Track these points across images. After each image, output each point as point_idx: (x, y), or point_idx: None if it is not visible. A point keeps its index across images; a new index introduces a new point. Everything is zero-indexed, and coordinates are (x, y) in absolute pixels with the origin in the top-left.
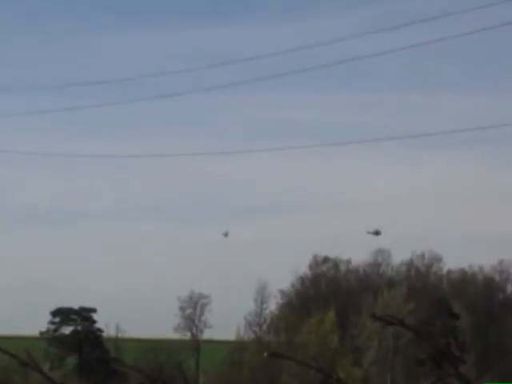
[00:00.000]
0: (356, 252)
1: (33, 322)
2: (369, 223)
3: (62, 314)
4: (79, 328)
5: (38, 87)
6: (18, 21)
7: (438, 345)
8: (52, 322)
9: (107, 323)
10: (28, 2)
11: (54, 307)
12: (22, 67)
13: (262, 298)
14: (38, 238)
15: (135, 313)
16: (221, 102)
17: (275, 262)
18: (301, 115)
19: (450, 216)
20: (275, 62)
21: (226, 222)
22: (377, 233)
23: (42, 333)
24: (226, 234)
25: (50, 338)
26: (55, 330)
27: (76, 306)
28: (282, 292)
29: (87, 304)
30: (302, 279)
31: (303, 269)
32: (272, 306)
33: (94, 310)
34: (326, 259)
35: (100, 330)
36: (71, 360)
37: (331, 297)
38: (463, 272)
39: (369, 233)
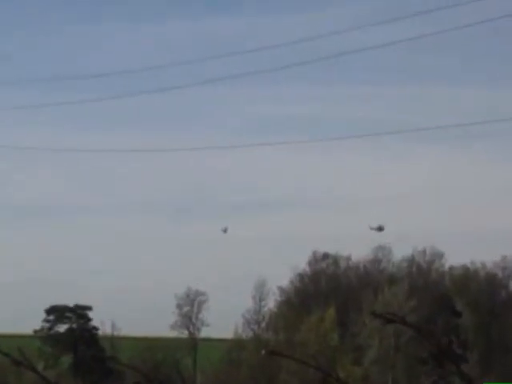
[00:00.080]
0: (356, 248)
1: (26, 320)
2: (369, 219)
3: (57, 312)
4: (74, 326)
5: (37, 80)
6: (17, 13)
7: (440, 343)
8: (46, 320)
9: (103, 321)
10: None
11: (48, 305)
12: (22, 60)
13: (260, 295)
14: (33, 234)
15: (131, 310)
16: (221, 96)
17: (274, 259)
18: (301, 109)
19: (451, 211)
20: (275, 54)
21: (224, 217)
22: (380, 228)
23: (36, 331)
24: (224, 230)
25: (45, 337)
26: (50, 329)
27: (71, 304)
28: (281, 289)
29: (82, 301)
30: (302, 276)
31: (302, 265)
32: (271, 303)
33: (89, 308)
34: (325, 255)
35: (95, 328)
36: (66, 359)
37: (331, 294)
38: (465, 268)
39: (372, 228)
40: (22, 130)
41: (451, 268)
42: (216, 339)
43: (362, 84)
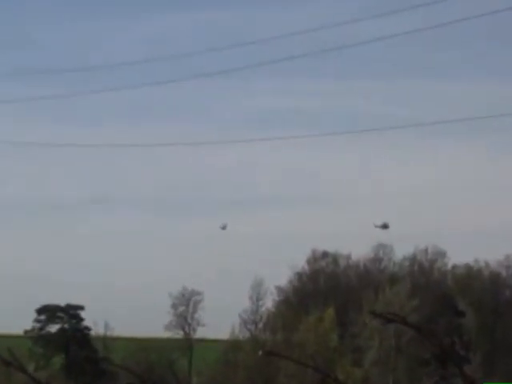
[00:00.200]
0: (356, 246)
1: (17, 320)
2: (369, 216)
3: (48, 312)
4: (66, 326)
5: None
6: (15, 5)
7: (442, 343)
8: (37, 320)
9: (95, 321)
10: None
11: (39, 304)
12: (17, 53)
13: (257, 294)
14: (22, 231)
15: (125, 310)
16: (219, 89)
17: (272, 257)
18: (301, 103)
19: (454, 209)
20: (275, 47)
21: (222, 214)
22: (385, 226)
23: (26, 331)
24: (223, 227)
25: (36, 337)
26: (41, 329)
27: (62, 303)
28: (279, 288)
29: (74, 301)
30: (300, 275)
31: (301, 264)
32: (268, 303)
33: (81, 308)
34: (324, 254)
35: (88, 329)
36: (58, 360)
37: (330, 293)
38: (468, 267)
39: (377, 226)
40: (12, 124)
41: (454, 267)
42: (212, 340)
43: (362, 78)
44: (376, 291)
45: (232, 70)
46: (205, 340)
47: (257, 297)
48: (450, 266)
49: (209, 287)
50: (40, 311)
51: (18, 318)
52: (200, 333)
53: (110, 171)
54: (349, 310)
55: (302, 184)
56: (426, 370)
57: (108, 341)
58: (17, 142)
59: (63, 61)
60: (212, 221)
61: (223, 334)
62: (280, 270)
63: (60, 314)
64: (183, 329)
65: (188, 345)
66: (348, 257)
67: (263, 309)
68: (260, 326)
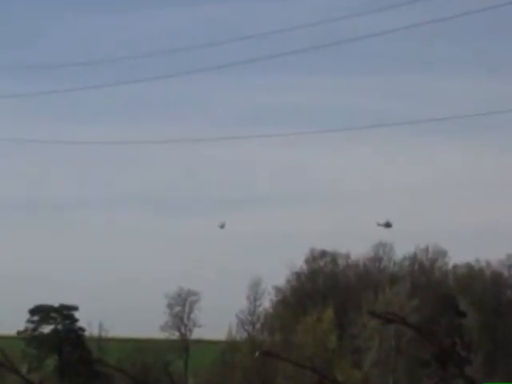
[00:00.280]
0: (355, 245)
1: (9, 321)
2: (369, 215)
3: (41, 312)
4: (59, 327)
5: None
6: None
7: (443, 344)
8: (30, 321)
9: (89, 322)
10: None
11: (32, 305)
12: (10, 48)
13: (255, 294)
14: (14, 230)
15: (119, 310)
16: (217, 85)
17: (270, 256)
18: (298, 98)
19: (455, 208)
20: (273, 42)
21: (219, 213)
22: (388, 225)
23: (19, 332)
24: (222, 226)
25: (29, 338)
26: (34, 330)
27: (56, 304)
28: (277, 288)
29: (68, 301)
30: (298, 274)
31: (299, 263)
32: (266, 303)
33: (75, 308)
34: (323, 253)
35: (82, 329)
36: (51, 361)
37: (329, 293)
38: (469, 267)
39: (379, 225)
40: (11, 121)
41: (455, 266)
42: (208, 341)
43: (360, 73)
44: (376, 291)
45: (230, 65)
46: (201, 341)
47: (254, 297)
48: (450, 265)
49: (206, 287)
50: (33, 312)
51: (10, 318)
52: (196, 334)
53: (104, 169)
54: (348, 310)
55: (299, 182)
56: (426, 370)
57: (102, 342)
58: (17, 139)
59: (63, 56)
60: (210, 220)
61: (220, 334)
62: (278, 270)
63: (53, 315)
64: (179, 329)
65: (184, 346)
66: (347, 256)
67: (261, 309)
68: (257, 326)
